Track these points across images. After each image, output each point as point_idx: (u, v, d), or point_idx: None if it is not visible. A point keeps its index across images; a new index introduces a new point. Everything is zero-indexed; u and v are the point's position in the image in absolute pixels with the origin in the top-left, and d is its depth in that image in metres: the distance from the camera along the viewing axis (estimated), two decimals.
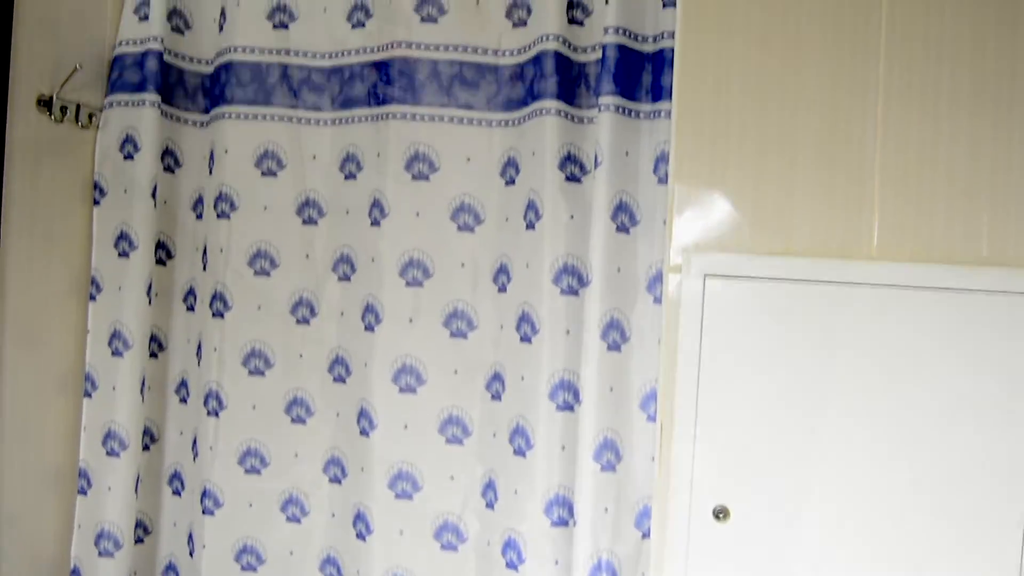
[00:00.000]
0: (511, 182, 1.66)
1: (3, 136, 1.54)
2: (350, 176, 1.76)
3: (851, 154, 1.31)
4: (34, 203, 1.65)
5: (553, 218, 1.57)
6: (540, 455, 1.57)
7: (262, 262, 1.79)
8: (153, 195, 1.79)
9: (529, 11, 1.64)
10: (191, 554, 1.84)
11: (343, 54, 1.76)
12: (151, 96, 1.76)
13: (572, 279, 1.57)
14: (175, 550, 1.88)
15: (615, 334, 1.54)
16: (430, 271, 1.70)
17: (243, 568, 1.81)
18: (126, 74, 1.79)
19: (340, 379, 1.77)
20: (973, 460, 1.26)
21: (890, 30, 1.30)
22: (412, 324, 1.70)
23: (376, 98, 1.72)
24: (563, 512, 1.56)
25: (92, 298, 1.80)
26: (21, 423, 1.66)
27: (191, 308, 1.87)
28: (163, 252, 1.85)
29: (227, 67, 1.78)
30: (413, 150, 1.70)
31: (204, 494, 1.80)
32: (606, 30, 1.54)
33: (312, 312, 1.79)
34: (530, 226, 1.61)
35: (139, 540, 1.85)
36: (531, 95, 1.61)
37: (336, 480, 1.78)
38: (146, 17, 1.79)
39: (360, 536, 1.73)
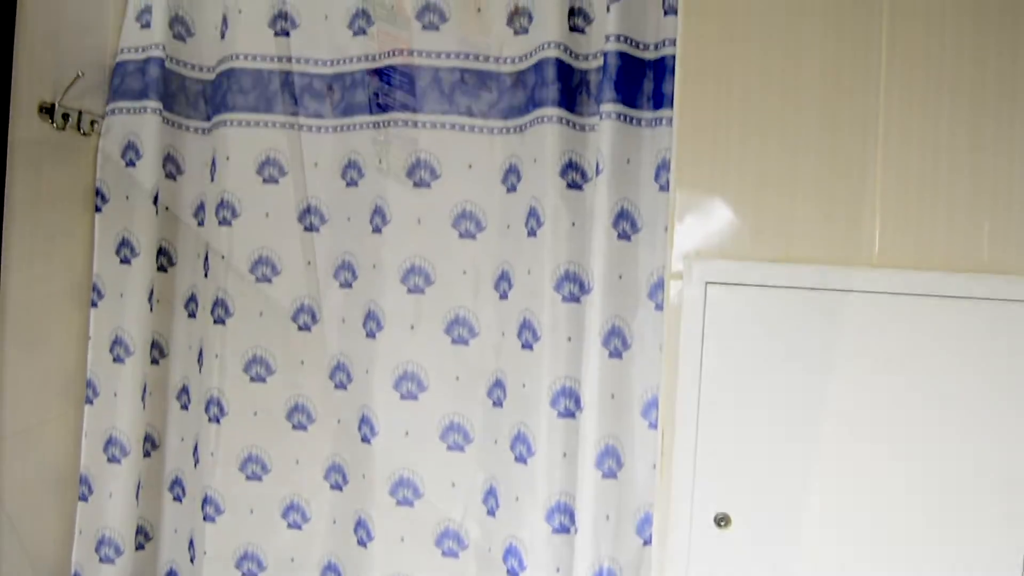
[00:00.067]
0: (512, 189, 1.66)
1: (5, 143, 1.54)
2: (351, 183, 1.76)
3: (852, 161, 1.31)
4: (36, 210, 1.65)
5: (554, 225, 1.57)
6: (541, 462, 1.57)
7: (263, 269, 1.80)
8: (155, 202, 1.79)
9: (530, 18, 1.64)
10: (192, 560, 1.83)
11: (344, 61, 1.77)
12: (153, 103, 1.77)
13: (573, 286, 1.57)
14: (176, 556, 1.88)
15: (616, 341, 1.54)
16: (431, 278, 1.70)
17: (244, 575, 1.80)
18: (128, 81, 1.79)
19: (341, 386, 1.77)
20: (974, 468, 1.25)
21: (891, 35, 1.30)
22: (413, 331, 1.70)
23: (378, 105, 1.72)
24: (564, 519, 1.56)
25: (94, 304, 1.80)
26: (23, 429, 1.66)
27: (192, 315, 1.87)
28: (164, 259, 1.85)
29: (229, 74, 1.78)
30: (415, 157, 1.70)
31: (205, 500, 1.80)
32: (607, 38, 1.54)
33: (313, 319, 1.80)
34: (531, 233, 1.61)
35: (140, 546, 1.84)
36: (532, 102, 1.61)
37: (337, 487, 1.78)
38: (148, 24, 1.79)
39: (361, 543, 1.73)
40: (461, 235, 1.69)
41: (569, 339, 1.56)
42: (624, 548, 1.54)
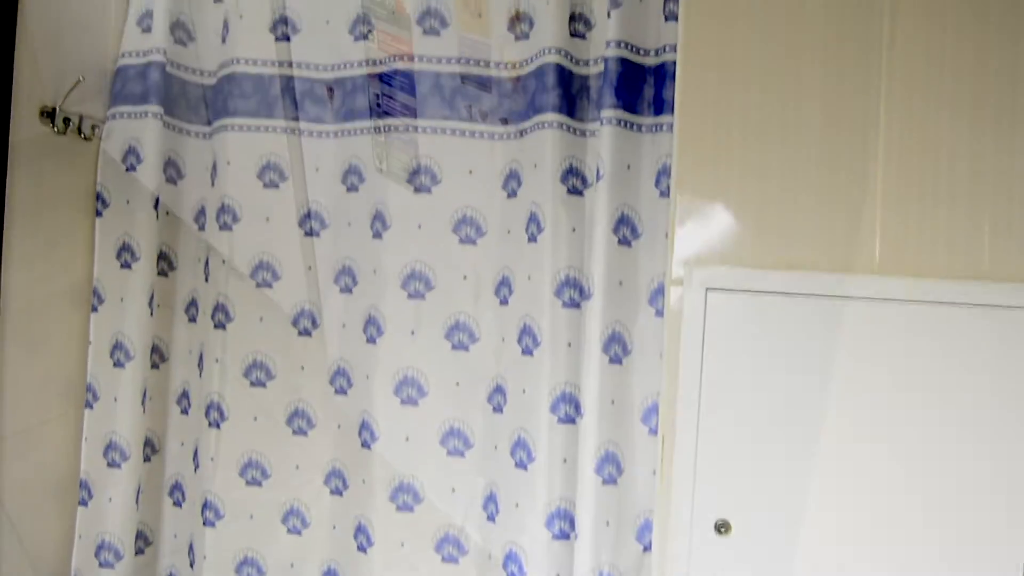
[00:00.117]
0: (513, 195, 1.66)
1: (6, 147, 1.54)
2: (352, 188, 1.76)
3: (853, 168, 1.31)
4: (37, 214, 1.65)
5: (555, 231, 1.57)
6: (541, 468, 1.57)
7: (264, 273, 1.80)
8: (155, 206, 1.79)
9: (531, 24, 1.64)
10: (192, 565, 1.83)
11: (345, 66, 1.77)
12: (154, 108, 1.77)
13: (574, 292, 1.57)
14: (176, 561, 1.88)
15: (617, 347, 1.54)
16: (432, 283, 1.70)
17: None
18: (129, 85, 1.79)
19: (341, 391, 1.77)
20: (974, 472, 1.25)
21: (892, 45, 1.30)
22: (414, 336, 1.70)
23: (379, 108, 1.72)
24: (564, 525, 1.56)
25: (94, 309, 1.80)
26: (22, 433, 1.66)
27: (193, 319, 1.87)
28: (165, 263, 1.85)
29: (229, 79, 1.79)
30: (415, 162, 1.70)
31: (205, 505, 1.79)
32: (608, 43, 1.54)
33: (314, 324, 1.80)
34: (532, 239, 1.61)
35: (140, 551, 1.84)
36: (533, 108, 1.61)
37: (337, 492, 1.78)
38: (149, 29, 1.79)
39: (361, 548, 1.73)
40: (461, 240, 1.69)
41: (569, 345, 1.56)
42: (624, 554, 1.54)
